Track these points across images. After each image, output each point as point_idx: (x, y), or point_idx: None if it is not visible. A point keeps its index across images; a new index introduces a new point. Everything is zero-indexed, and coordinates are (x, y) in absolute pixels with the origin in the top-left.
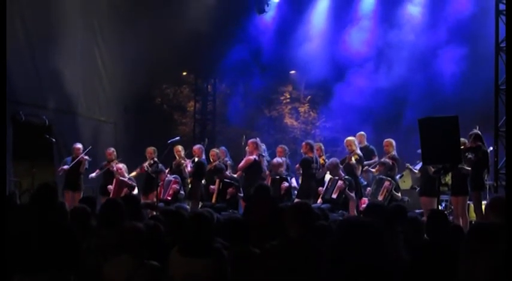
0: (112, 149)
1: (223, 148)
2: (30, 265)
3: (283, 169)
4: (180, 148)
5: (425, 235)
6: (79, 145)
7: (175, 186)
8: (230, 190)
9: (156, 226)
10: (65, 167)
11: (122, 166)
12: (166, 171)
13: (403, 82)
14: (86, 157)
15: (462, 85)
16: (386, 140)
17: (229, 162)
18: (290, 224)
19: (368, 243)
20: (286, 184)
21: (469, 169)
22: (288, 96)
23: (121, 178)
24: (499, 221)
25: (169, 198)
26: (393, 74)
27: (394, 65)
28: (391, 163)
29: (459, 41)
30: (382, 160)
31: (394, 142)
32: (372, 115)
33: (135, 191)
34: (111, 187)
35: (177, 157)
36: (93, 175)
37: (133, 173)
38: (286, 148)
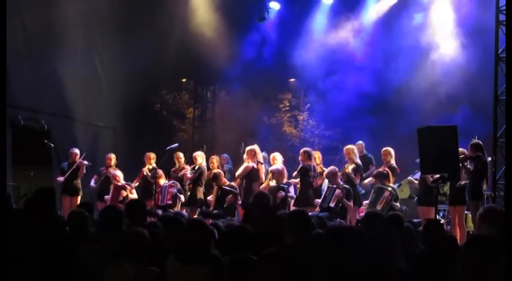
0: (112, 155)
1: (225, 155)
2: (28, 270)
3: (282, 177)
4: (180, 154)
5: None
6: (76, 150)
7: (172, 189)
8: (229, 197)
9: (155, 232)
10: (61, 178)
11: (118, 173)
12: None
13: (404, 90)
14: (86, 162)
15: (463, 90)
16: (384, 149)
17: (228, 168)
18: (287, 232)
19: (353, 248)
20: (282, 193)
21: (467, 181)
22: (287, 104)
23: (117, 184)
24: (493, 232)
25: (169, 202)
26: (395, 82)
27: (396, 73)
28: (384, 172)
29: (461, 46)
30: (375, 171)
31: (392, 151)
32: (371, 124)
33: (134, 195)
34: (107, 197)
35: (177, 164)
36: (93, 184)
37: (135, 183)
38: (279, 155)
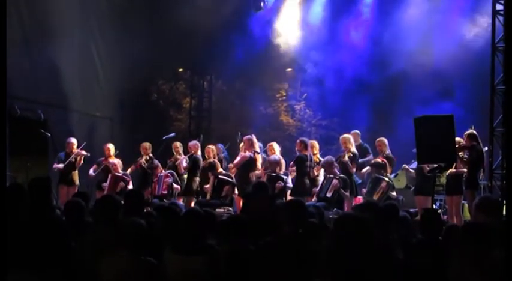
0: (110, 144)
1: (219, 144)
2: (24, 261)
3: (279, 167)
4: (178, 144)
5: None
6: (73, 140)
7: (168, 179)
8: (226, 187)
9: (151, 222)
10: (60, 165)
11: (116, 161)
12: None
13: (401, 78)
14: (84, 152)
15: (461, 79)
16: (378, 139)
17: (224, 155)
18: (284, 221)
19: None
20: (281, 184)
21: (464, 170)
22: (284, 94)
23: (116, 173)
24: (489, 221)
25: (164, 192)
26: (392, 70)
27: (393, 62)
28: (381, 161)
29: (458, 34)
30: (373, 160)
31: (386, 141)
32: (368, 113)
33: (130, 186)
34: (105, 185)
35: (175, 153)
36: (92, 172)
37: (129, 170)
38: (277, 145)
